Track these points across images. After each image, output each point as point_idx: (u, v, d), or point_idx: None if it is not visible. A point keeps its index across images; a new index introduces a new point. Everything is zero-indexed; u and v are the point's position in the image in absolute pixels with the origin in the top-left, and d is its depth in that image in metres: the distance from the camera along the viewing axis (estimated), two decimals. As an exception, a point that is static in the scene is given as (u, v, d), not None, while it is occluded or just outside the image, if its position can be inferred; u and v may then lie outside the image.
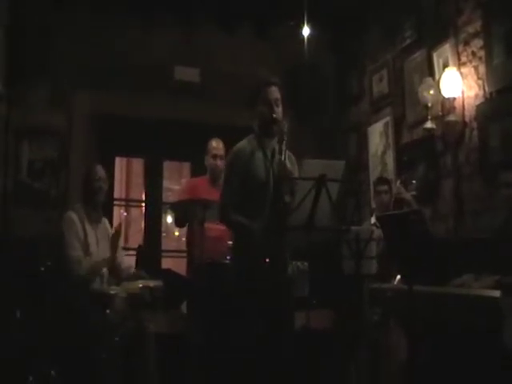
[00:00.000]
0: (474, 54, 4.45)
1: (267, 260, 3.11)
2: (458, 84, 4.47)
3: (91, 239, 3.90)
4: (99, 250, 3.94)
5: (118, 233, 3.96)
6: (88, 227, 3.92)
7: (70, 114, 5.74)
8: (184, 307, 4.61)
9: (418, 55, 5.12)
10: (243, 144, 3.35)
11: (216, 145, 4.68)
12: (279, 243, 3.14)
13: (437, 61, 4.83)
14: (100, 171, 4.06)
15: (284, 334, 3.20)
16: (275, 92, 3.31)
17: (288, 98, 5.99)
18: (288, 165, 3.15)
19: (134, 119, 5.95)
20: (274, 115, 3.24)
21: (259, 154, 3.28)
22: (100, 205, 4.06)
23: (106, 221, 4.17)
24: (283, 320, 3.21)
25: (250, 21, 6.19)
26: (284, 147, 3.13)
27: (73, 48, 5.69)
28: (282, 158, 3.11)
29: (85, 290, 3.71)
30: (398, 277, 3.99)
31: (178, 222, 4.87)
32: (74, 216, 3.90)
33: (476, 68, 4.42)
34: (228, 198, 3.28)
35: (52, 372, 3.64)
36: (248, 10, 6.01)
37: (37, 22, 5.54)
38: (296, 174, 3.21)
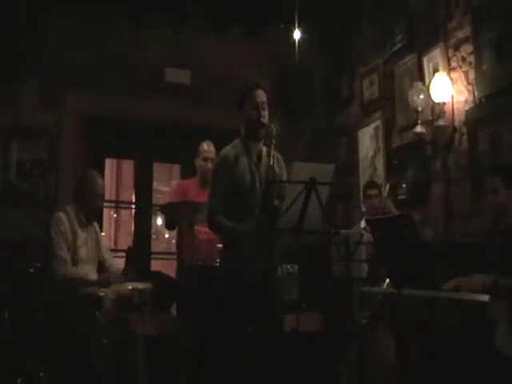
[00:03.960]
0: (463, 59, 4.48)
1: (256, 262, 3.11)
2: (447, 89, 4.50)
3: (81, 242, 3.87)
4: (88, 254, 3.92)
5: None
6: (78, 230, 3.89)
7: (59, 115, 5.71)
8: (173, 309, 4.60)
9: (409, 60, 5.15)
10: (228, 149, 3.34)
11: (207, 147, 4.68)
12: (268, 246, 3.14)
13: (427, 65, 4.85)
14: (101, 181, 4.05)
15: (273, 337, 3.20)
16: (262, 95, 3.29)
17: (279, 99, 6.08)
18: (276, 169, 3.16)
19: (124, 120, 5.94)
20: (262, 119, 3.24)
21: (245, 159, 3.27)
22: (97, 211, 4.05)
23: (96, 224, 4.14)
24: (272, 322, 3.21)
25: (242, 23, 6.20)
26: (272, 151, 3.13)
27: (63, 48, 5.67)
28: (271, 162, 3.11)
29: (73, 291, 3.69)
30: (388, 280, 4.00)
31: (169, 225, 4.87)
32: (63, 216, 3.87)
33: (466, 73, 4.45)
34: (215, 203, 3.27)
35: (40, 374, 3.61)
36: (240, 12, 6.02)
37: (26, 22, 5.52)
38: (284, 178, 3.22)
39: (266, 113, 3.27)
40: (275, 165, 3.14)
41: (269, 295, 3.15)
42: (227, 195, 3.23)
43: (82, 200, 3.96)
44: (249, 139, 3.32)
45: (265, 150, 3.29)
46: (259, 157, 3.30)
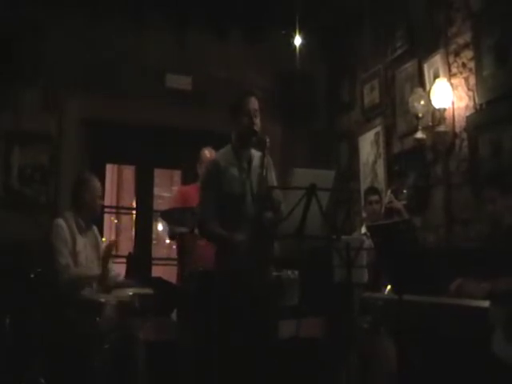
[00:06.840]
0: (464, 65, 4.48)
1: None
2: (448, 95, 4.51)
3: (80, 247, 3.88)
4: (88, 259, 3.91)
5: (110, 247, 3.96)
6: (77, 236, 3.89)
7: (61, 120, 5.72)
8: (174, 315, 4.60)
9: (409, 65, 5.16)
10: (217, 157, 3.37)
11: (209, 154, 4.67)
12: (261, 254, 3.13)
13: (427, 71, 4.86)
14: (98, 184, 4.04)
15: (266, 343, 3.18)
16: (255, 103, 3.30)
17: (279, 105, 6.09)
18: (269, 177, 3.18)
19: (125, 126, 5.94)
20: (254, 126, 3.24)
21: (235, 167, 3.28)
22: (96, 214, 4.05)
23: (95, 228, 4.14)
24: (264, 329, 3.20)
25: (243, 28, 6.22)
26: (266, 162, 3.14)
27: (65, 53, 5.68)
28: (263, 174, 3.11)
29: (74, 297, 3.69)
30: (389, 286, 4.00)
31: (171, 235, 4.84)
32: (62, 223, 3.87)
33: (466, 79, 4.45)
34: (205, 211, 3.29)
35: (42, 380, 3.61)
36: (241, 17, 6.04)
37: (28, 26, 5.54)
38: (274, 182, 3.25)
39: (258, 120, 3.28)
40: (268, 172, 3.17)
41: (260, 302, 3.15)
42: (218, 203, 3.24)
43: (80, 204, 3.96)
44: (240, 146, 3.33)
45: (256, 156, 3.30)
46: (249, 164, 3.31)
